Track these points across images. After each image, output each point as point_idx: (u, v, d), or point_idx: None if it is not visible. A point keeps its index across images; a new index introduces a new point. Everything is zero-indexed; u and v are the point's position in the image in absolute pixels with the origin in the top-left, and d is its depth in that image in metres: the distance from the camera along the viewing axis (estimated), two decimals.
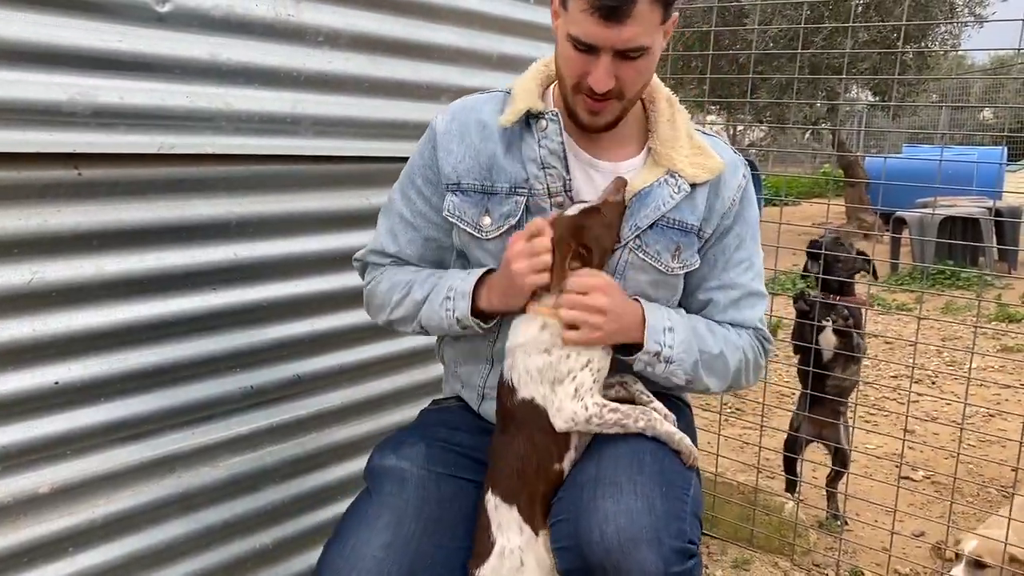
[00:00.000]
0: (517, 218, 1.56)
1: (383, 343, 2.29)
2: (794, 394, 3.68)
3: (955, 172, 8.33)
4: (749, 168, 1.69)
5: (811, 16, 9.38)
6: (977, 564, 2.45)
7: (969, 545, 2.48)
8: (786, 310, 4.33)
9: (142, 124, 1.69)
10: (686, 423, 1.67)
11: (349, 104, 2.08)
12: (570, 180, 1.56)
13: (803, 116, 10.81)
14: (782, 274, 5.50)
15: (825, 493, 3.34)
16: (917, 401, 4.52)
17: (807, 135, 16.81)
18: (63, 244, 1.63)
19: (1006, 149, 11.27)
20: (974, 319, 5.36)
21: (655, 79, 1.60)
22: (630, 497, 1.34)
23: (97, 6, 1.61)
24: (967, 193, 8.63)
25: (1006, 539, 2.41)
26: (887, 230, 8.97)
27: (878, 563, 2.88)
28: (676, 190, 1.55)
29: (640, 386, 1.57)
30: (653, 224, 1.55)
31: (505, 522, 1.47)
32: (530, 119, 1.56)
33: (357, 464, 2.13)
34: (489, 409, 1.63)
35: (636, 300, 1.52)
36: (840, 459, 3.26)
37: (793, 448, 3.30)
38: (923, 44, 11.12)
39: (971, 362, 3.68)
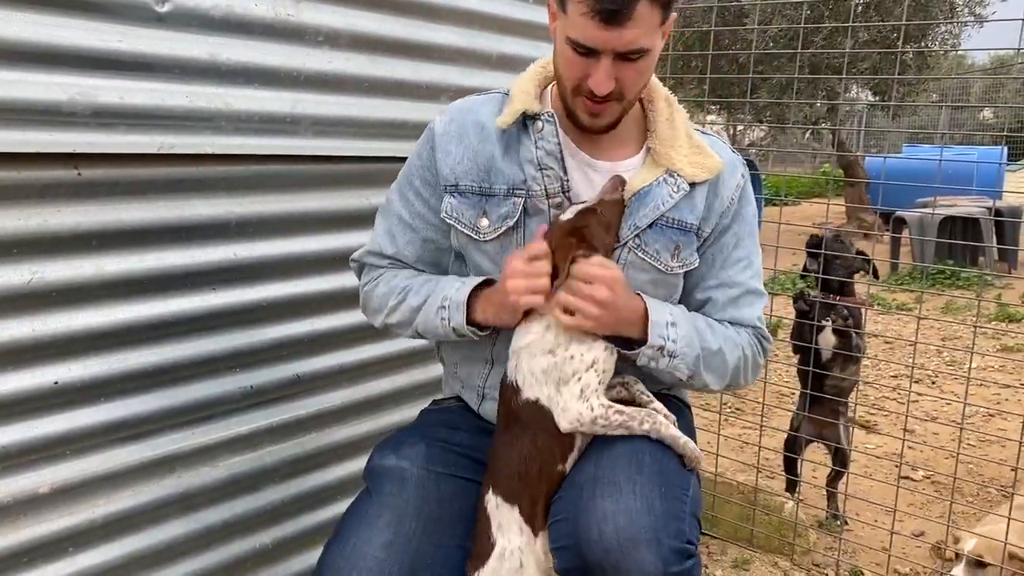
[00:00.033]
0: (515, 219, 1.56)
1: (383, 343, 2.29)
2: (794, 394, 3.69)
3: (955, 172, 8.33)
4: (748, 168, 1.69)
5: (811, 16, 9.38)
6: (977, 563, 2.45)
7: (969, 544, 2.48)
8: (786, 310, 4.33)
9: (142, 124, 1.69)
10: (686, 424, 1.67)
11: (349, 104, 2.08)
12: (568, 181, 1.56)
13: (803, 116, 10.81)
14: (782, 274, 5.50)
15: (825, 493, 3.34)
16: (917, 401, 4.52)
17: (807, 135, 16.82)
18: (63, 244, 1.64)
19: (1006, 149, 11.28)
20: (974, 319, 5.35)
21: (653, 78, 1.60)
22: (629, 497, 1.35)
23: (97, 6, 1.61)
24: (967, 193, 8.63)
25: (1006, 538, 2.41)
26: (887, 230, 8.97)
27: (878, 563, 2.88)
28: (675, 189, 1.55)
29: (641, 387, 1.57)
30: (652, 223, 1.55)
31: (505, 522, 1.47)
32: (527, 120, 1.56)
33: (357, 464, 2.13)
34: (489, 409, 1.64)
35: (638, 295, 1.52)
36: (840, 459, 3.26)
37: (793, 448, 3.30)
38: (923, 44, 11.12)
39: (971, 362, 3.67)
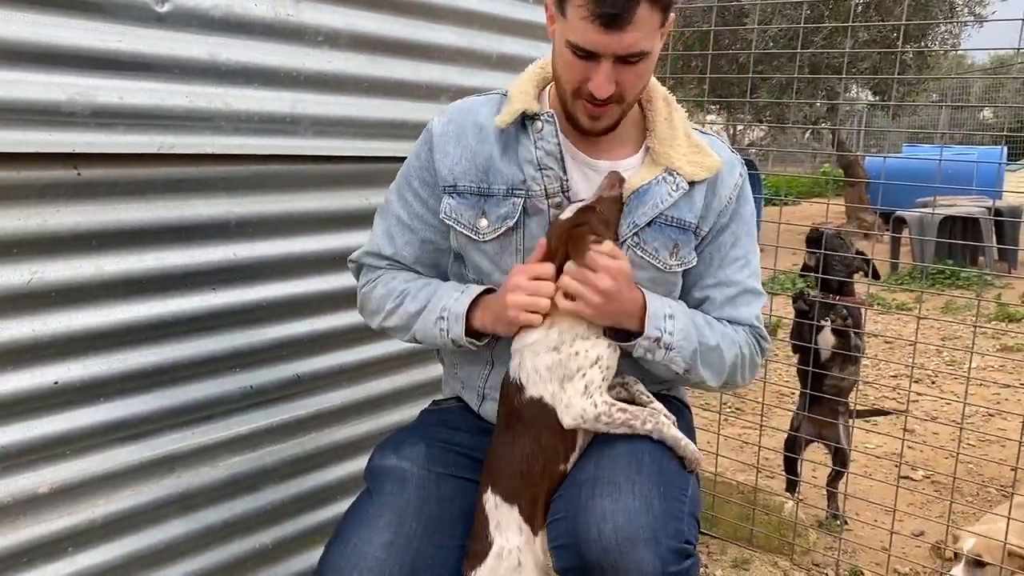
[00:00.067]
0: (515, 220, 1.56)
1: (383, 343, 2.29)
2: (794, 394, 3.69)
3: (955, 172, 8.34)
4: (747, 167, 1.70)
5: (811, 16, 9.37)
6: (976, 563, 2.45)
7: (967, 544, 2.48)
8: (785, 310, 4.33)
9: (141, 124, 1.69)
10: (686, 425, 1.67)
11: (348, 104, 2.08)
12: (567, 181, 1.56)
13: (803, 116, 10.81)
14: (781, 273, 5.50)
15: (825, 493, 3.34)
16: (917, 401, 4.52)
17: (807, 135, 16.82)
18: (62, 244, 1.64)
19: (1006, 148, 11.28)
20: (974, 319, 5.35)
21: (652, 78, 1.60)
22: (628, 496, 1.35)
23: (96, 6, 1.61)
24: (967, 193, 8.63)
25: (1005, 537, 2.41)
26: (887, 230, 8.98)
27: (878, 563, 2.88)
28: (674, 188, 1.55)
29: (640, 387, 1.57)
30: (651, 222, 1.55)
31: (504, 521, 1.46)
32: (526, 120, 1.56)
33: (357, 464, 2.14)
34: (489, 410, 1.64)
35: (639, 288, 1.52)
36: (840, 459, 3.26)
37: (793, 448, 3.30)
38: (923, 44, 11.12)
39: (971, 362, 3.67)
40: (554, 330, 1.47)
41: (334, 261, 2.09)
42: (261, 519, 2.05)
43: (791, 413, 3.48)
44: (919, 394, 4.57)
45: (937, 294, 7.04)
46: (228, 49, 1.82)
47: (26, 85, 1.52)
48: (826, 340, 3.17)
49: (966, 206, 8.42)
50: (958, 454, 2.83)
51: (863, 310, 3.34)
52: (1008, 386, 5.10)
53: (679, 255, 1.58)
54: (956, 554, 2.52)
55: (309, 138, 2.01)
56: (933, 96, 14.91)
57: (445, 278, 1.70)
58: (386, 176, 1.79)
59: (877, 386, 4.95)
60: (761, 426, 3.13)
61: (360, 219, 2.11)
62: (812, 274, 3.32)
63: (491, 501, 1.48)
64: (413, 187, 1.66)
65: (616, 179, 1.52)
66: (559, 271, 1.46)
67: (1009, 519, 2.43)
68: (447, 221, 1.61)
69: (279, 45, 1.91)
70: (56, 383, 1.65)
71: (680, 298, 1.64)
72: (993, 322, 6.55)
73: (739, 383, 1.65)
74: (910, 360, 4.16)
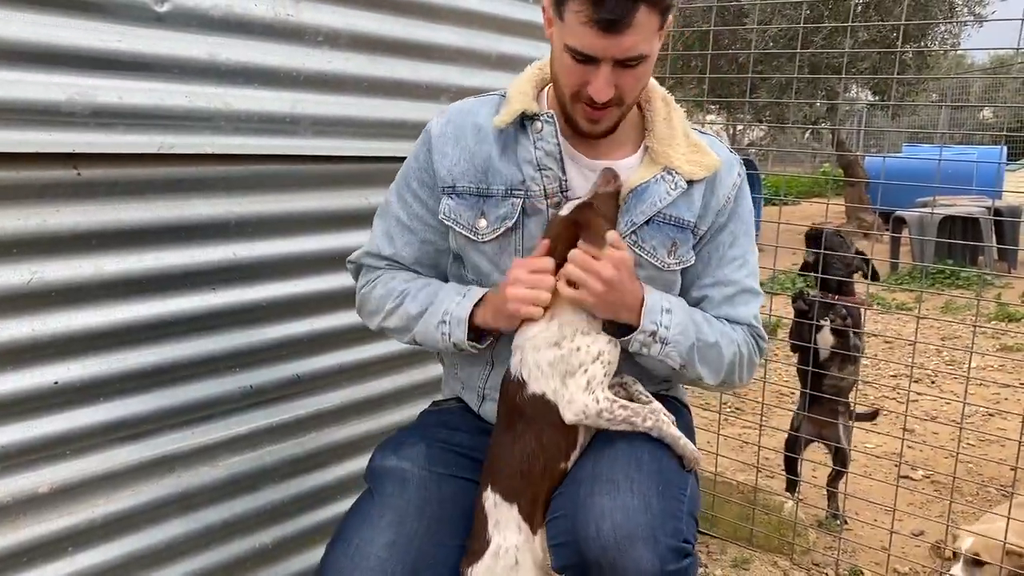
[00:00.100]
0: (514, 220, 1.57)
1: (383, 343, 2.29)
2: (793, 394, 3.69)
3: (955, 171, 8.35)
4: (746, 167, 1.70)
5: (811, 16, 9.38)
6: (975, 562, 2.45)
7: (966, 543, 2.48)
8: (785, 309, 4.33)
9: (141, 124, 1.69)
10: (685, 425, 1.66)
11: (348, 104, 2.08)
12: (566, 181, 1.56)
13: (803, 116, 10.82)
14: (781, 273, 5.50)
15: (825, 492, 3.34)
16: (916, 400, 4.52)
17: (807, 135, 16.83)
18: (62, 244, 1.64)
19: (1006, 148, 11.29)
20: (973, 318, 5.35)
21: (650, 79, 1.60)
22: (627, 495, 1.35)
23: (96, 6, 1.61)
24: (967, 192, 8.63)
25: (1005, 536, 2.41)
26: (887, 229, 8.98)
27: (877, 562, 2.88)
28: (673, 187, 1.56)
29: (640, 387, 1.57)
30: (649, 220, 1.55)
31: (504, 520, 1.47)
32: (525, 121, 1.56)
33: (357, 464, 2.14)
34: (489, 410, 1.64)
35: (639, 281, 1.52)
36: (840, 459, 3.26)
37: (793, 448, 3.30)
38: (923, 44, 11.12)
39: (970, 361, 3.66)
40: (554, 323, 1.47)
41: (334, 261, 2.09)
42: (261, 519, 2.06)
43: (791, 413, 3.48)
44: (919, 394, 4.57)
45: (937, 294, 7.05)
46: (228, 49, 1.82)
47: (26, 85, 1.52)
48: (825, 340, 3.17)
49: (966, 206, 8.43)
50: (958, 454, 2.83)
51: (862, 310, 3.34)
52: (1008, 386, 5.10)
53: (677, 254, 1.58)
54: (955, 553, 2.52)
55: (309, 138, 2.01)
56: (933, 96, 14.92)
57: (445, 278, 1.70)
58: (386, 176, 1.79)
59: (877, 386, 4.95)
60: (761, 426, 3.13)
61: (360, 219, 2.11)
62: (812, 273, 3.32)
63: (491, 500, 1.48)
64: (412, 188, 1.66)
65: (611, 175, 1.52)
66: (559, 266, 1.46)
67: (1009, 519, 2.43)
68: (446, 222, 1.61)
69: (279, 45, 1.91)
70: (56, 383, 1.65)
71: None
72: (993, 322, 6.55)
73: (737, 382, 1.65)
74: (910, 360, 4.16)
